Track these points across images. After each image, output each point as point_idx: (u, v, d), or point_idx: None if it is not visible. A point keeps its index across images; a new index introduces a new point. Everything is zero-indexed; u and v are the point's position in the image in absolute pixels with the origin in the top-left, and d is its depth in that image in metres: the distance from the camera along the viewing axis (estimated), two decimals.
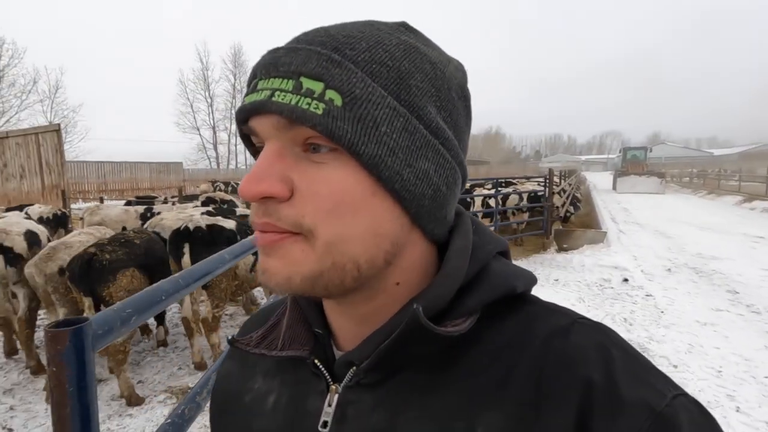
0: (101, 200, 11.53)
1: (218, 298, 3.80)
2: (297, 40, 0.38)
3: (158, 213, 5.89)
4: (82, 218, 5.98)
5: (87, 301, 3.29)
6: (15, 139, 9.30)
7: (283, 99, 0.35)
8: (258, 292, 5.68)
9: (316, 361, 0.42)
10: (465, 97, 0.43)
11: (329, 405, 0.41)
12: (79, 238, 3.76)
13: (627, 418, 0.33)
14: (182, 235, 3.80)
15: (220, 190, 14.83)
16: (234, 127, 48.62)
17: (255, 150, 0.42)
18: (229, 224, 3.95)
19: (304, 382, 0.44)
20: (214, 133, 47.59)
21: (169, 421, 0.80)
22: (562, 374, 0.35)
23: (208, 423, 3.10)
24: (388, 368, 0.39)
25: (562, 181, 14.61)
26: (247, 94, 0.38)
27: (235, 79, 48.49)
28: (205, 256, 3.63)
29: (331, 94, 0.34)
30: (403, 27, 0.41)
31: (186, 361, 3.96)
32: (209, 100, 46.97)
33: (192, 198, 10.19)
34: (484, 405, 0.36)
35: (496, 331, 0.40)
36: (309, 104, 0.34)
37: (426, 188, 0.38)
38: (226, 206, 6.36)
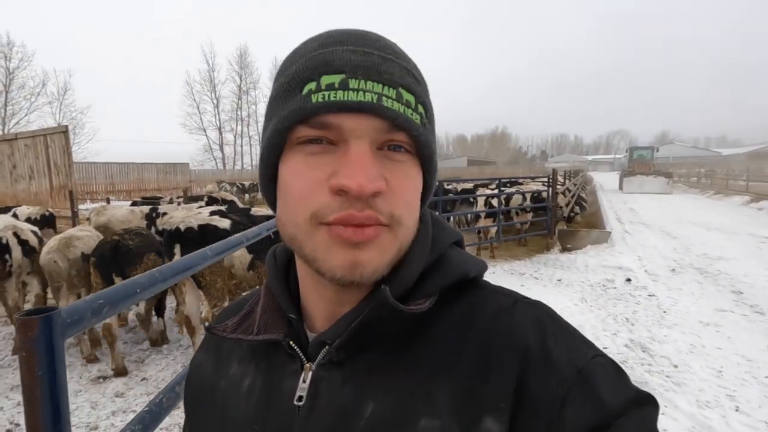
0: (108, 201, 11.67)
1: (215, 298, 3.76)
2: (366, 44, 0.40)
3: (164, 213, 5.96)
4: (88, 219, 6.05)
5: (118, 281, 3.53)
6: (24, 140, 9.46)
7: (393, 106, 0.38)
8: None
9: (291, 342, 0.45)
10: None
11: (303, 381, 0.44)
12: (85, 233, 4.18)
13: (557, 375, 0.38)
14: (174, 235, 3.72)
15: (226, 190, 14.94)
16: (239, 128, 49.00)
17: (280, 148, 0.41)
18: (224, 223, 3.85)
19: (278, 364, 0.46)
20: (220, 134, 47.92)
21: (147, 409, 0.83)
22: (504, 344, 0.41)
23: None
24: (357, 346, 0.43)
25: (567, 180, 14.53)
26: (330, 89, 0.37)
27: (240, 80, 48.78)
28: None
29: (420, 107, 0.41)
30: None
31: (190, 359, 4.00)
32: (215, 101, 47.30)
33: (197, 198, 10.28)
34: (440, 376, 0.40)
35: (450, 311, 0.44)
36: (412, 114, 0.40)
37: (435, 177, 0.46)
38: (227, 206, 6.39)
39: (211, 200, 8.07)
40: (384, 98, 0.38)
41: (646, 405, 0.39)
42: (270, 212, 5.10)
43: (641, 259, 7.49)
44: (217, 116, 47.53)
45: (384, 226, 0.39)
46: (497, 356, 0.40)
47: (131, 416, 3.03)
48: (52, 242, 3.96)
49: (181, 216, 4.45)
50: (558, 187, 9.53)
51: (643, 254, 7.85)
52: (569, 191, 11.85)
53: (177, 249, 3.66)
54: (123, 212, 6.18)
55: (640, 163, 28.24)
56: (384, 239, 0.40)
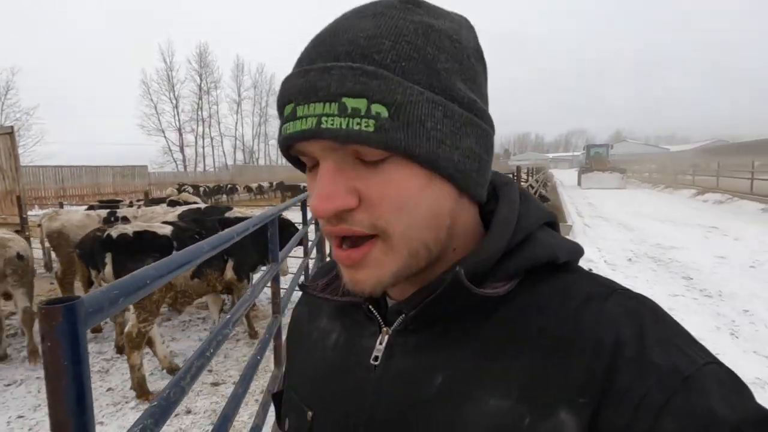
0: (61, 205, 11.01)
1: (147, 311, 3.32)
2: (320, 54, 0.38)
3: (123, 217, 5.71)
4: (40, 225, 5.71)
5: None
6: None
7: (332, 124, 0.36)
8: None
9: (370, 307, 0.48)
10: (481, 57, 0.44)
11: (380, 344, 0.46)
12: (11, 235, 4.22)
13: (656, 379, 0.34)
14: (104, 243, 3.36)
15: (187, 192, 14.45)
16: (201, 128, 47.48)
17: (303, 167, 0.45)
18: (164, 230, 3.57)
19: (359, 325, 0.50)
20: (180, 135, 46.23)
21: (155, 403, 0.83)
22: (591, 335, 0.37)
23: (190, 406, 3.02)
24: (431, 318, 0.44)
25: (530, 177, 15.01)
26: (286, 121, 0.39)
27: (201, 80, 47.23)
28: (130, 266, 3.25)
29: (376, 108, 0.36)
30: (410, 4, 0.41)
31: (158, 366, 3.87)
32: (174, 102, 45.58)
33: (158, 201, 9.88)
34: (514, 358, 0.39)
35: (532, 294, 0.42)
36: (359, 124, 0.35)
37: (473, 163, 0.41)
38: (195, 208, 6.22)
39: (173, 204, 7.79)
40: (324, 119, 0.36)
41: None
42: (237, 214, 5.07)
43: (600, 250, 7.90)
44: (177, 117, 45.88)
45: (371, 241, 0.40)
46: (581, 347, 0.37)
47: (104, 423, 2.93)
48: None
49: (162, 212, 4.31)
50: (521, 183, 9.85)
51: (603, 246, 8.28)
52: (532, 188, 12.28)
53: (108, 258, 3.30)
54: (79, 217, 5.86)
55: (596, 161, 29.69)
56: (377, 253, 0.40)
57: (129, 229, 3.44)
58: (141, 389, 3.33)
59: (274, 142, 55.71)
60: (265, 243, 2.70)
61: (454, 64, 0.39)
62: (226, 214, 5.07)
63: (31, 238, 7.71)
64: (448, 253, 0.44)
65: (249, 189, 25.13)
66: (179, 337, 4.50)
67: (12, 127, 8.73)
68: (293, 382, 0.57)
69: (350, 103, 0.36)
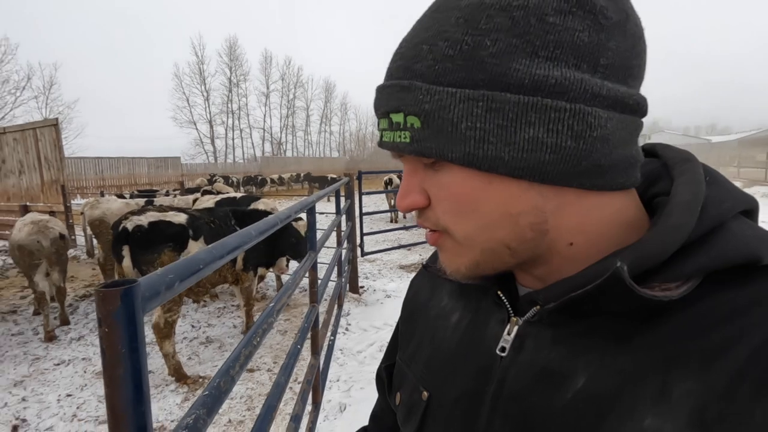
0: (101, 194, 11.49)
1: (171, 301, 3.36)
2: (387, 71, 0.41)
3: (160, 205, 5.91)
4: (82, 213, 5.93)
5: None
6: (12, 134, 9.23)
7: (387, 138, 0.40)
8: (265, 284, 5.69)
9: (499, 292, 0.45)
10: (578, 3, 0.34)
11: (508, 334, 0.43)
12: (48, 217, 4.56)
13: None
14: (122, 234, 3.37)
15: (219, 182, 14.81)
16: (230, 121, 48.54)
17: None
18: (179, 218, 3.56)
19: (485, 310, 0.47)
20: (211, 127, 47.31)
21: (206, 393, 0.79)
22: None
23: (233, 395, 3.05)
24: (572, 313, 0.38)
25: None
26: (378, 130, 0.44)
27: (230, 72, 48.10)
28: (147, 256, 3.29)
29: (411, 119, 0.38)
30: None
31: (196, 350, 3.97)
32: (205, 94, 46.62)
33: (193, 191, 10.17)
34: (682, 372, 0.32)
35: (718, 299, 0.33)
36: (400, 136, 0.39)
37: (540, 155, 0.35)
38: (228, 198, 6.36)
39: (206, 193, 7.97)
40: (384, 133, 0.41)
41: None
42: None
43: None
44: (208, 109, 46.94)
45: (442, 233, 0.42)
46: None
47: None
48: (30, 226, 4.29)
49: (209, 200, 4.44)
50: None
51: None
52: None
53: (126, 251, 3.33)
54: (118, 205, 6.06)
55: None
56: (447, 244, 0.42)
57: (144, 219, 3.43)
58: (179, 374, 3.40)
59: (301, 134, 56.41)
60: (272, 238, 2.66)
61: (508, 40, 0.34)
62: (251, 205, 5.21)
63: (74, 225, 8.06)
64: (558, 249, 0.39)
65: (272, 181, 25.56)
66: (215, 323, 4.59)
67: (57, 119, 9.11)
68: (407, 357, 0.55)
69: (394, 117, 0.39)
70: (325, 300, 4.27)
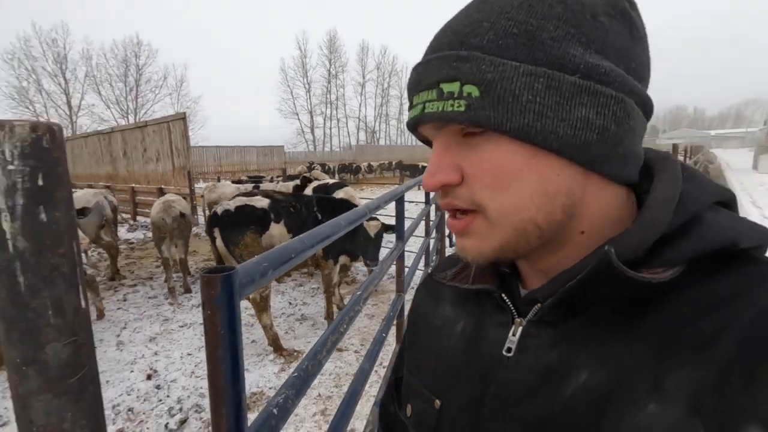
0: (218, 179, 12.93)
1: None
2: (431, 48, 0.42)
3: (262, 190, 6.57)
4: (202, 195, 6.75)
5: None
6: (152, 127, 10.81)
7: (432, 108, 0.40)
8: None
9: (503, 295, 0.47)
10: (621, 13, 0.39)
11: (513, 335, 0.44)
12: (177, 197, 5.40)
13: None
14: (212, 219, 3.82)
15: (317, 170, 15.73)
16: (328, 111, 51.00)
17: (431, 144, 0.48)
18: (261, 203, 3.87)
19: (488, 314, 0.48)
20: (311, 117, 50.23)
21: (295, 374, 0.84)
22: None
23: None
24: (571, 308, 0.40)
25: (687, 159, 12.70)
26: (409, 110, 0.44)
27: (330, 64, 50.34)
28: (233, 237, 3.59)
29: (468, 88, 0.38)
30: None
31: (292, 326, 4.30)
32: (307, 86, 49.53)
33: (293, 178, 10.95)
34: (676, 361, 0.34)
35: (702, 289, 0.36)
36: (452, 105, 0.38)
37: (588, 134, 0.37)
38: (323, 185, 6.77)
39: (306, 180, 8.52)
40: (428, 104, 0.40)
41: None
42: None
43: None
44: (309, 100, 49.86)
45: (474, 215, 0.41)
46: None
47: (246, 374, 3.39)
48: (159, 205, 5.17)
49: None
50: None
51: None
52: None
53: (216, 232, 3.73)
54: (231, 189, 6.80)
55: None
56: (477, 226, 0.42)
57: (231, 204, 3.80)
58: (276, 345, 3.73)
59: (394, 122, 57.21)
60: (355, 230, 2.68)
61: (567, 29, 0.37)
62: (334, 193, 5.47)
63: (197, 206, 9.23)
64: (573, 235, 0.41)
65: (362, 168, 26.31)
66: (309, 302, 4.92)
67: (185, 113, 10.43)
68: (415, 368, 0.57)
69: (446, 87, 0.39)
70: (412, 288, 4.30)
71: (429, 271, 0.56)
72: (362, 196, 10.32)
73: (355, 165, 25.11)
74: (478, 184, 0.40)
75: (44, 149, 0.44)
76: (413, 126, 0.44)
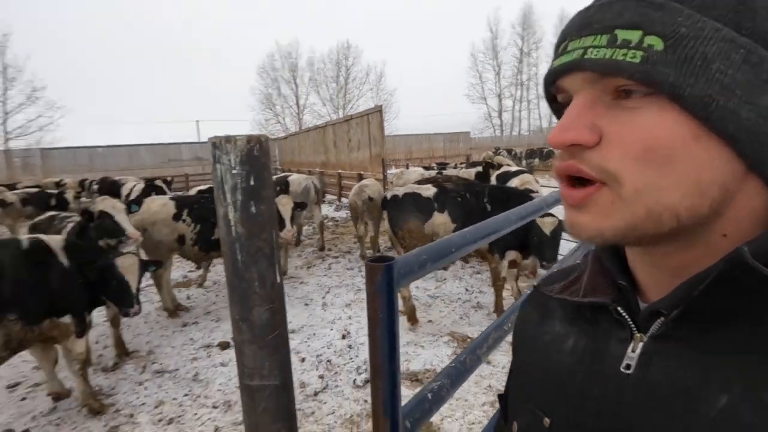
0: (407, 166, 13.95)
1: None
2: None
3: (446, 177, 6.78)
4: (391, 181, 7.40)
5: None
6: (355, 120, 12.39)
7: (596, 55, 0.35)
8: None
9: (619, 308, 0.43)
10: None
11: (633, 351, 0.41)
12: (371, 182, 5.92)
13: None
14: (383, 202, 4.24)
15: (502, 156, 15.25)
16: (519, 93, 48.38)
17: (558, 108, 0.44)
18: (428, 192, 4.09)
19: (603, 330, 0.45)
20: (500, 101, 48.62)
21: (452, 365, 0.86)
22: None
23: (491, 358, 3.25)
24: (700, 320, 0.36)
25: None
26: (555, 58, 0.39)
27: (522, 42, 47.50)
28: (399, 221, 3.92)
29: (650, 40, 0.34)
30: None
31: (467, 312, 4.36)
32: (497, 69, 48.03)
33: (475, 164, 10.93)
34: None
35: None
36: (625, 55, 0.34)
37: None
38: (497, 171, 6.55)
39: (487, 165, 8.37)
40: (590, 50, 0.36)
41: None
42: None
43: None
44: (498, 83, 48.34)
45: (600, 188, 0.37)
46: None
47: (420, 350, 3.63)
48: (355, 189, 6.06)
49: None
50: None
51: None
52: None
53: (385, 214, 4.14)
54: (415, 176, 7.25)
55: None
56: (601, 200, 0.37)
57: (400, 191, 4.13)
58: (410, 315, 4.07)
59: None
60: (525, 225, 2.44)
61: None
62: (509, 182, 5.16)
63: (389, 191, 10.22)
64: (712, 236, 0.37)
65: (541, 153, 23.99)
66: (486, 291, 4.89)
67: (381, 106, 11.55)
68: (522, 384, 0.54)
69: (622, 34, 0.35)
70: None
71: (535, 283, 0.53)
72: (548, 185, 9.53)
73: (546, 150, 23.28)
74: (621, 152, 0.35)
75: (255, 157, 0.57)
76: (556, 77, 0.39)
